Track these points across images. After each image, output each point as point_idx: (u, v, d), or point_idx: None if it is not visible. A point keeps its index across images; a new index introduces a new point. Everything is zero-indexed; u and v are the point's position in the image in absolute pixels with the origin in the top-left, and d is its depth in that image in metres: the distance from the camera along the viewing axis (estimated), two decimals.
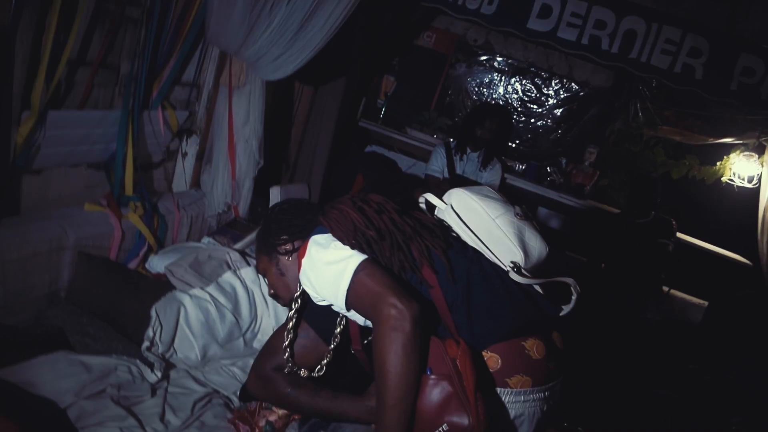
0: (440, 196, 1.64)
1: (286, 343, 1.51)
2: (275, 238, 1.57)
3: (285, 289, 1.58)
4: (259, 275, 2.34)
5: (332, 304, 1.40)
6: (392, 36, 4.97)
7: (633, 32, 3.85)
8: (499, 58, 5.47)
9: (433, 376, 1.24)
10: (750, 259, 4.66)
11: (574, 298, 1.46)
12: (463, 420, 1.20)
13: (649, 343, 3.95)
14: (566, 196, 4.90)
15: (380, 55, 5.04)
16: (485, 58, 5.49)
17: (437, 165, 4.01)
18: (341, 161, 4.48)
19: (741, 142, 4.65)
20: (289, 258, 1.56)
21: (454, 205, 1.58)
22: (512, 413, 1.36)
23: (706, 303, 4.76)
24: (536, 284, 1.50)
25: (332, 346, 1.49)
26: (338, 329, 1.50)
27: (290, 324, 1.51)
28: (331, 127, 4.03)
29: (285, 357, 1.51)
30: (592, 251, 4.22)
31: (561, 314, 1.47)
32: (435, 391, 1.23)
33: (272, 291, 1.64)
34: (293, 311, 1.50)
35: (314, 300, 1.44)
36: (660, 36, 3.85)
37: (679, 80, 3.84)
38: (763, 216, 4.11)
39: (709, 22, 3.84)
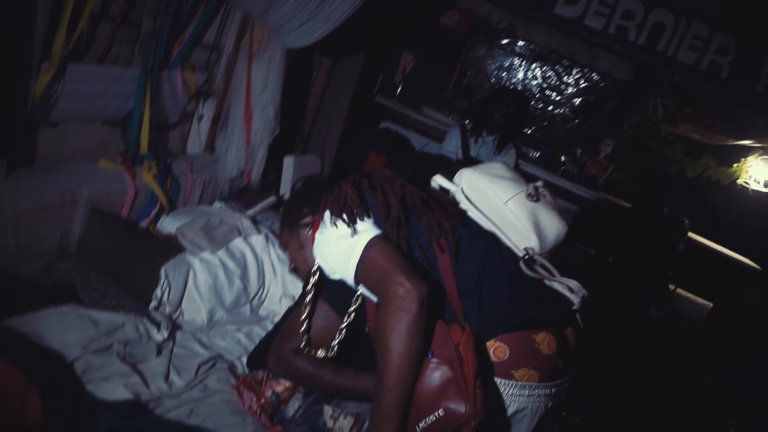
0: (451, 178, 1.59)
1: (303, 316, 1.46)
2: (298, 211, 1.57)
3: (303, 262, 1.57)
4: (270, 245, 2.34)
5: (344, 279, 1.37)
6: (414, 13, 4.88)
7: (661, 25, 3.78)
8: (520, 43, 5.39)
9: (434, 360, 1.20)
10: (759, 263, 4.63)
11: (578, 300, 1.42)
12: (460, 407, 1.16)
13: (652, 341, 3.94)
14: (579, 187, 4.88)
15: (400, 32, 4.97)
16: (507, 41, 5.42)
17: (452, 146, 3.97)
18: (355, 136, 4.44)
19: (760, 145, 4.60)
20: (308, 231, 1.55)
21: (464, 188, 1.55)
22: (514, 407, 1.32)
23: (711, 304, 4.75)
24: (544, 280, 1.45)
25: (344, 324, 1.44)
26: (353, 307, 1.43)
27: (307, 298, 1.47)
28: (347, 100, 4.00)
29: (300, 332, 1.45)
30: (601, 244, 4.19)
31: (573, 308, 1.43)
32: (435, 375, 1.19)
33: (293, 265, 1.63)
34: (310, 285, 1.47)
35: (327, 273, 1.42)
36: (688, 31, 3.78)
37: (705, 77, 3.78)
38: None
39: (733, 21, 3.77)
